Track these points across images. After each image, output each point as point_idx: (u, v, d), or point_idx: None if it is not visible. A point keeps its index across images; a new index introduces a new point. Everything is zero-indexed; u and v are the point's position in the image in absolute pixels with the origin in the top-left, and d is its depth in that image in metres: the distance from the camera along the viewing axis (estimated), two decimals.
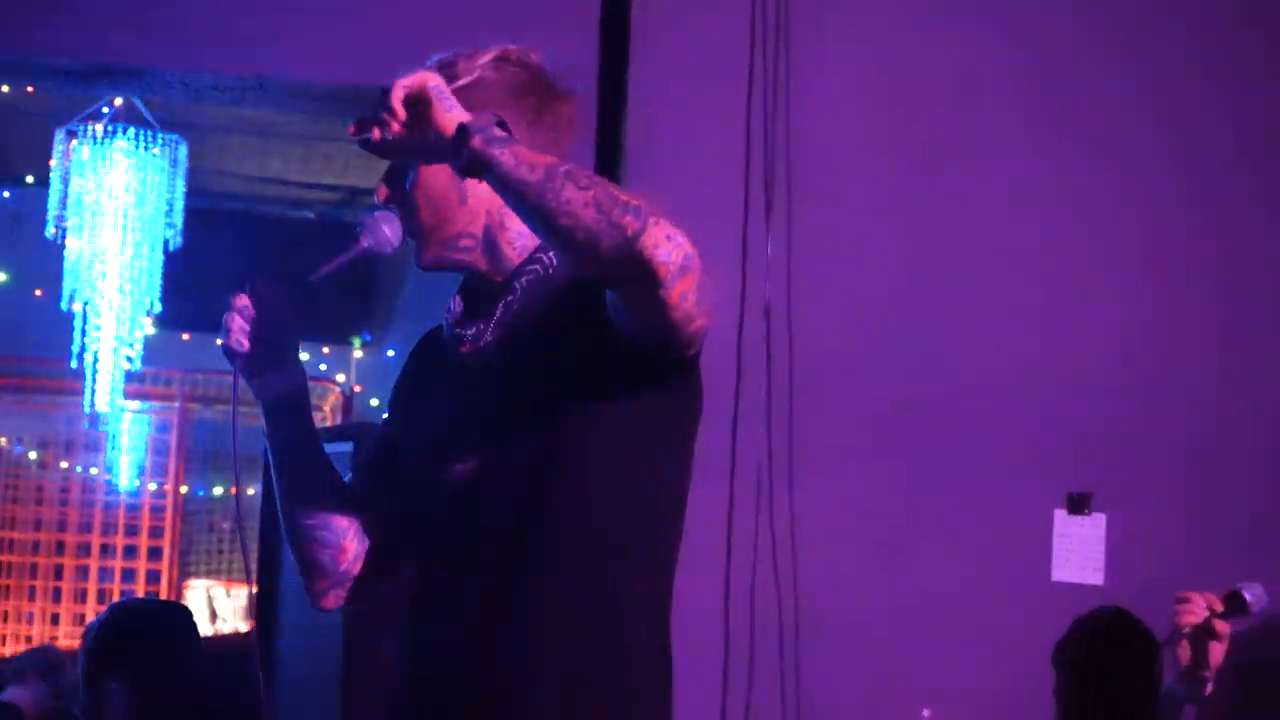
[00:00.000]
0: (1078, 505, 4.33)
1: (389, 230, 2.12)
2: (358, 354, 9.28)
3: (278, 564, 4.88)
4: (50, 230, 7.15)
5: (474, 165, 1.90)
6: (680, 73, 4.34)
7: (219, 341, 2.14)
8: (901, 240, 4.37)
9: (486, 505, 2.09)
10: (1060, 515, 4.34)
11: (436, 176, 2.13)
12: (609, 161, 4.21)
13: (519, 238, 2.17)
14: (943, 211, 4.39)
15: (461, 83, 2.12)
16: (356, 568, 2.28)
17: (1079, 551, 4.32)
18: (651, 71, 4.31)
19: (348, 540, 2.27)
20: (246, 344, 2.12)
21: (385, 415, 2.39)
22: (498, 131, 1.91)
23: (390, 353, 9.06)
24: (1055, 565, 4.33)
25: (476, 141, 1.89)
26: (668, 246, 1.87)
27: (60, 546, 9.25)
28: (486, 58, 2.17)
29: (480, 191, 2.06)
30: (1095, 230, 4.44)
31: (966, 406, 4.34)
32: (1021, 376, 4.36)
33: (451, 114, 1.91)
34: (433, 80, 1.93)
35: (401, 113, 1.93)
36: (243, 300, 2.12)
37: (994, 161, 4.41)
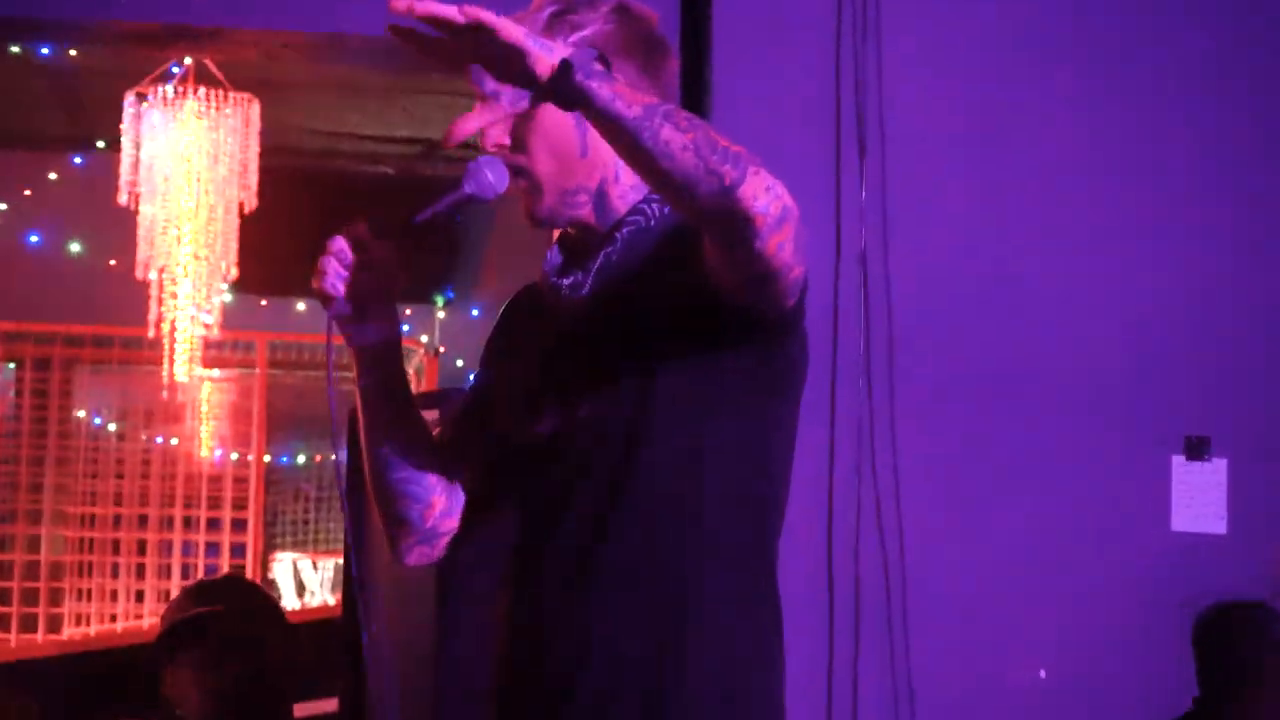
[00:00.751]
0: (1196, 450, 4.33)
1: (493, 175, 2.13)
2: (441, 314, 9.34)
3: (365, 531, 4.94)
4: (123, 197, 7.24)
5: (570, 99, 1.90)
6: (767, 22, 4.36)
7: (314, 283, 2.16)
8: (997, 183, 4.38)
9: (577, 459, 2.13)
10: (1178, 461, 4.33)
11: (559, 124, 2.15)
12: (694, 104, 4.24)
13: (629, 192, 2.20)
14: (1038, 154, 4.39)
15: (585, 33, 2.16)
16: (444, 523, 2.33)
17: (1199, 499, 4.32)
18: (736, 12, 4.34)
19: (436, 495, 2.31)
20: (342, 288, 2.14)
21: (477, 370, 2.42)
22: (597, 66, 1.92)
23: (475, 313, 9.11)
24: (1174, 514, 4.33)
25: (576, 76, 1.89)
26: (766, 197, 1.90)
27: (143, 521, 9.30)
28: (607, 6, 2.19)
29: (602, 144, 2.06)
30: (1202, 167, 4.43)
31: (1073, 351, 4.34)
32: (1130, 318, 4.36)
33: (552, 54, 1.90)
34: (520, 28, 1.91)
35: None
36: (340, 243, 2.14)
37: (1093, 104, 4.41)
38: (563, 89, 1.90)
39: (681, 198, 1.93)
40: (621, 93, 1.91)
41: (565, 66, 1.89)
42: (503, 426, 2.29)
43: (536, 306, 2.29)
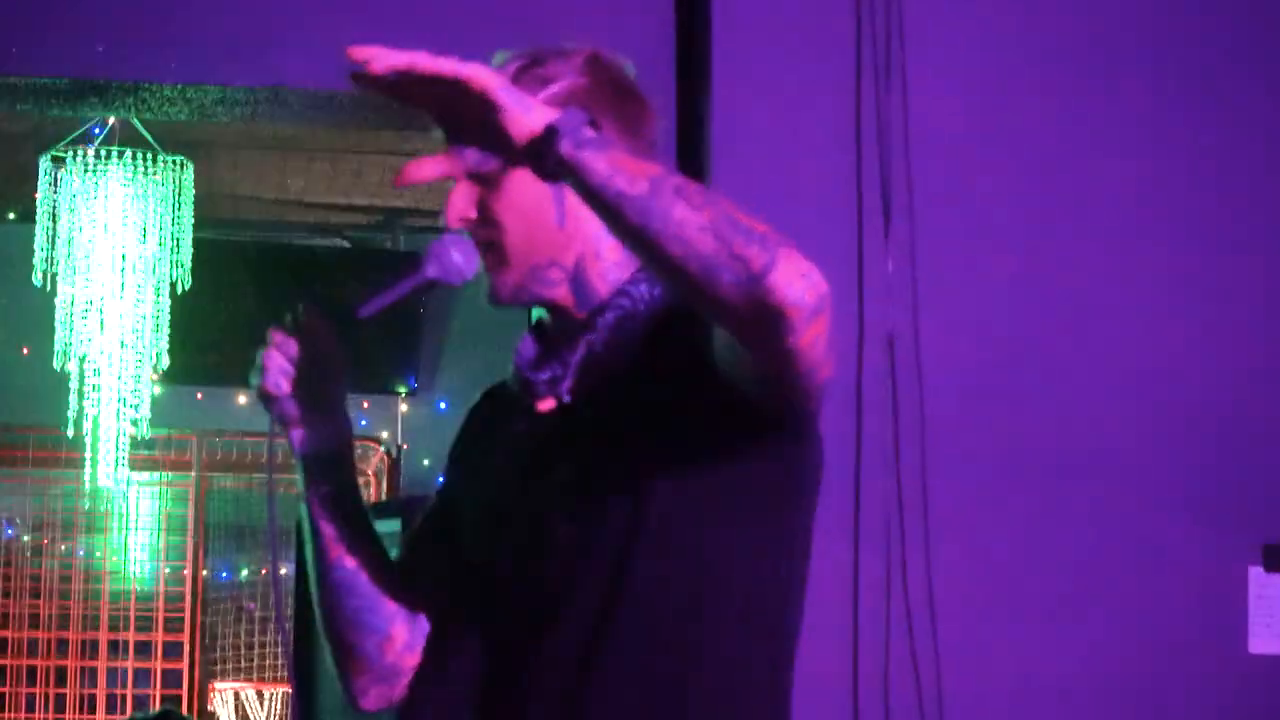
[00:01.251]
0: (1277, 561, 4.29)
1: (460, 257, 2.14)
2: (404, 408, 9.34)
3: (318, 657, 4.90)
4: (38, 275, 7.24)
5: (556, 171, 1.89)
6: (772, 57, 4.36)
7: (253, 383, 2.17)
8: (1048, 248, 4.36)
9: (556, 588, 2.11)
10: (1256, 573, 4.30)
11: (530, 191, 2.13)
12: (691, 164, 4.24)
13: (613, 270, 2.19)
14: (1098, 211, 4.38)
15: (555, 88, 2.14)
16: (406, 659, 2.29)
17: None
18: (738, 57, 4.33)
19: (396, 626, 2.28)
20: (287, 386, 2.14)
21: (441, 480, 2.41)
22: (589, 132, 1.90)
23: (442, 405, 9.11)
24: (1252, 634, 4.30)
25: (565, 145, 1.87)
26: (801, 285, 1.85)
27: (62, 646, 9.33)
28: (579, 59, 2.19)
29: (584, 212, 2.05)
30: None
31: (1136, 447, 4.32)
32: (1200, 409, 4.34)
33: (532, 114, 1.89)
34: (497, 79, 1.91)
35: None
36: (282, 335, 2.14)
37: (1163, 148, 4.41)
38: (547, 159, 1.87)
39: (698, 289, 1.88)
40: (621, 164, 1.88)
41: (550, 133, 1.87)
42: (469, 548, 2.26)
43: (508, 407, 2.27)
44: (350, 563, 2.25)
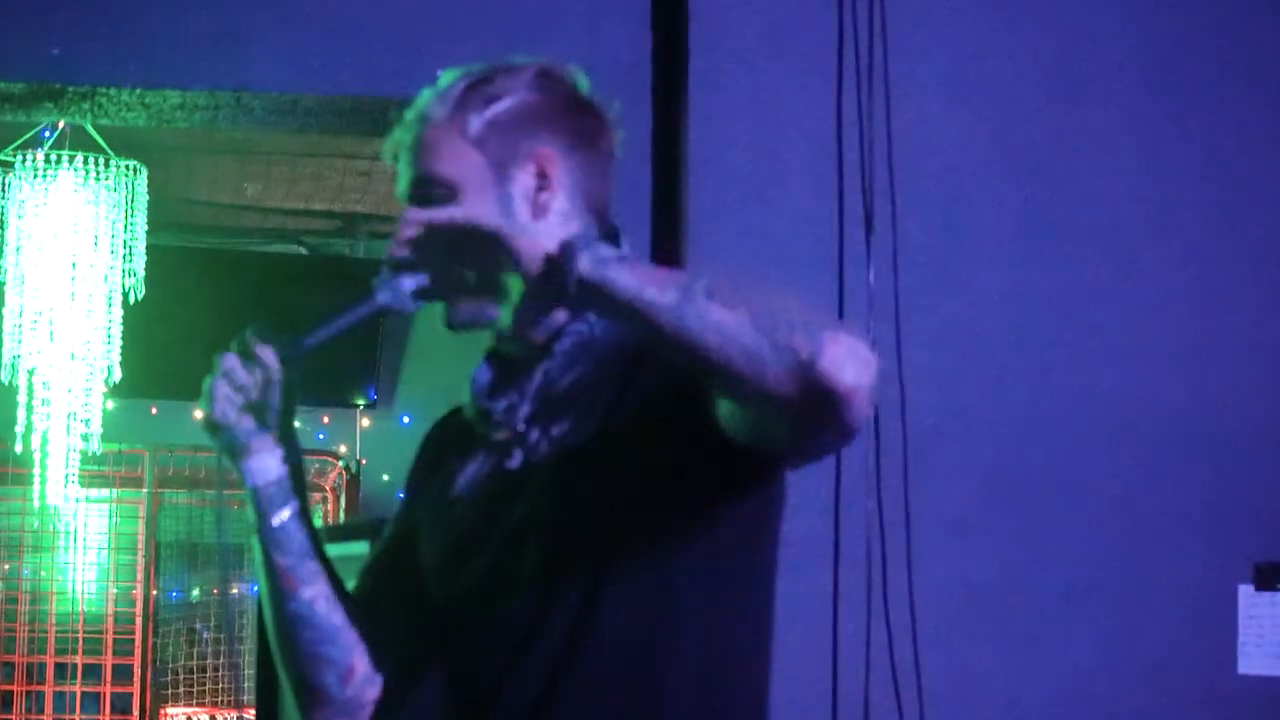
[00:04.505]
0: (1267, 579, 4.32)
1: (411, 283, 2.13)
2: (365, 422, 9.31)
3: (277, 682, 4.90)
4: None
5: (583, 294, 1.89)
6: (751, 63, 4.37)
7: (198, 414, 2.16)
8: (1031, 263, 4.39)
9: (518, 627, 2.12)
10: (1245, 592, 4.32)
11: (480, 214, 2.12)
12: (668, 175, 4.24)
13: None
14: (1077, 226, 4.39)
15: (503, 105, 2.16)
16: (367, 692, 2.31)
17: (1271, 636, 4.31)
18: (716, 65, 4.34)
19: (355, 658, 2.29)
20: (234, 415, 2.15)
21: (400, 505, 2.41)
22: (604, 247, 1.91)
23: (405, 420, 9.09)
24: (1242, 654, 4.32)
25: (584, 264, 1.88)
26: (853, 366, 1.84)
27: (8, 670, 9.24)
28: (528, 74, 2.20)
29: (535, 232, 2.07)
30: (1272, 244, 4.44)
31: (1121, 463, 4.34)
32: (1189, 424, 4.36)
33: (540, 240, 1.90)
34: (493, 215, 1.93)
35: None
36: (231, 361, 2.14)
37: (1133, 160, 4.43)
38: (568, 281, 1.89)
39: (748, 386, 1.88)
40: (646, 274, 1.89)
41: (568, 252, 1.89)
42: (429, 581, 2.26)
43: (465, 434, 2.26)
44: (306, 594, 2.26)
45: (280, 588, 2.26)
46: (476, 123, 2.16)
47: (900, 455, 4.25)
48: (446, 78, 2.21)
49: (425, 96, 2.21)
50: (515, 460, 2.18)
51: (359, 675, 2.29)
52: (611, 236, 2.19)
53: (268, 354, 2.14)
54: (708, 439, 2.01)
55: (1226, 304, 4.40)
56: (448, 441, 2.33)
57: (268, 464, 2.21)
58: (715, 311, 1.86)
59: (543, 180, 2.16)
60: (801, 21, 4.35)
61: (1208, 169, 4.44)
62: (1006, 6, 4.43)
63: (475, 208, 2.12)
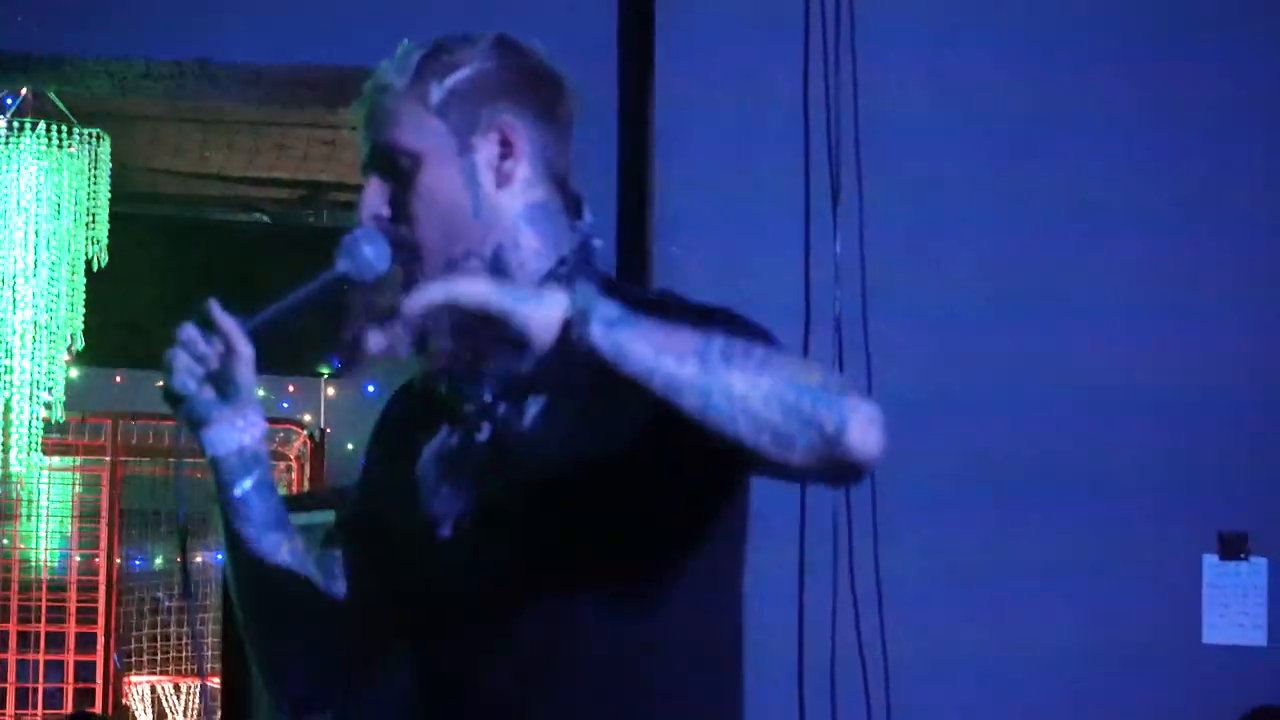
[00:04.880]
0: (1232, 548, 4.33)
1: (371, 251, 2.12)
2: (330, 391, 9.30)
3: (242, 650, 4.89)
4: None
5: (596, 358, 1.88)
6: (719, 34, 4.36)
7: (160, 384, 2.14)
8: (998, 236, 4.38)
9: (501, 608, 2.11)
10: (1210, 561, 4.33)
11: (443, 183, 2.13)
12: (635, 149, 4.24)
13: (532, 259, 2.16)
14: (1045, 200, 4.40)
15: (463, 73, 2.14)
16: (330, 665, 2.30)
17: (1235, 605, 4.32)
18: (683, 36, 4.33)
19: (320, 628, 2.28)
20: (194, 386, 2.12)
21: (361, 478, 2.38)
22: (610, 307, 1.89)
23: (370, 389, 9.08)
24: (1206, 624, 4.33)
25: (595, 332, 1.87)
26: (874, 434, 1.89)
27: None
28: (486, 43, 2.18)
29: (500, 200, 2.09)
30: (1238, 222, 4.45)
31: (1085, 436, 4.34)
32: (1153, 397, 4.36)
33: (543, 308, 1.88)
34: (490, 288, 1.91)
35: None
36: (190, 332, 2.12)
37: (1106, 137, 4.43)
38: (578, 350, 1.87)
39: (770, 457, 1.90)
40: (661, 340, 1.88)
41: (581, 316, 1.87)
42: (399, 557, 2.24)
43: (430, 406, 2.23)
44: (270, 565, 2.24)
45: (244, 558, 2.24)
46: (437, 91, 2.15)
47: None
48: (404, 48, 2.19)
49: (384, 66, 2.18)
50: (484, 433, 2.16)
51: (323, 645, 2.28)
52: (574, 205, 2.19)
53: (228, 323, 2.11)
54: (697, 449, 1.98)
55: (1195, 279, 4.41)
56: (409, 411, 2.29)
57: (227, 435, 2.18)
58: (738, 383, 1.87)
59: (506, 149, 2.15)
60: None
61: (1182, 145, 4.44)
62: None
63: (439, 184, 2.12)
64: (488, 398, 2.15)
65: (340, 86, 4.36)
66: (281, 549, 2.25)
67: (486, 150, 2.15)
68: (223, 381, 2.15)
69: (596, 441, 2.08)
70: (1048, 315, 4.37)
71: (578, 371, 2.05)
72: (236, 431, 2.19)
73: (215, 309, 2.12)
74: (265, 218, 8.94)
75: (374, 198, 2.15)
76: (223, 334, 2.11)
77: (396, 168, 2.14)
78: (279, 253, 8.19)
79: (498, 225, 2.15)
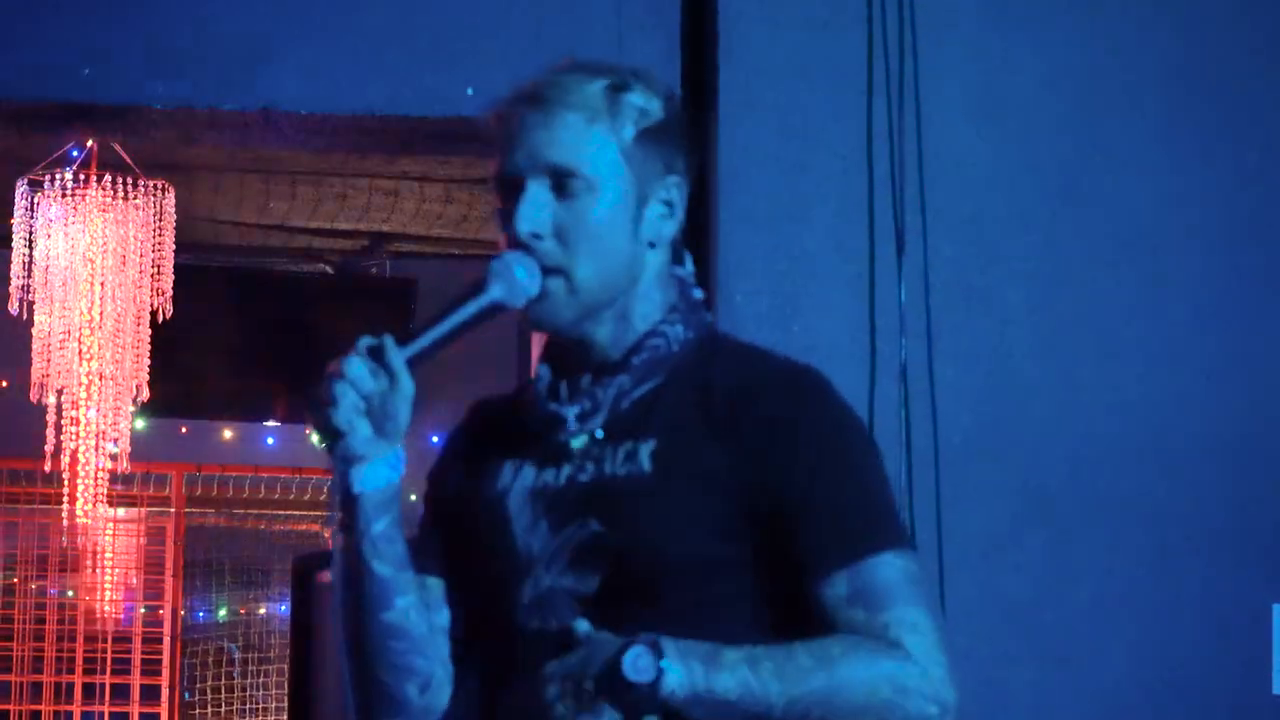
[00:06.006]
0: None
1: (524, 275, 2.11)
2: None
3: (311, 697, 4.87)
4: (14, 304, 7.23)
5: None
6: (780, 79, 4.35)
7: (314, 418, 2.12)
8: (1064, 277, 4.36)
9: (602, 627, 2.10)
10: None
11: (615, 224, 2.14)
12: (697, 194, 4.22)
13: (654, 311, 2.19)
14: (1112, 238, 4.38)
15: (652, 122, 2.16)
16: (442, 700, 2.29)
17: None
18: (744, 80, 4.33)
19: (438, 666, 2.28)
20: (358, 422, 2.10)
21: (434, 502, 2.38)
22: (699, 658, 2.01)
23: (434, 439, 9.09)
24: (1277, 674, 4.29)
25: (675, 690, 1.99)
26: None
27: (36, 690, 9.27)
28: (662, 91, 2.21)
29: (649, 258, 2.13)
30: None
31: (1152, 480, 4.32)
32: (1220, 441, 4.34)
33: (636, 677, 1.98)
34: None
35: None
36: (357, 366, 2.10)
37: (1163, 175, 4.41)
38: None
39: None
40: (751, 680, 2.03)
41: (666, 676, 1.99)
42: (485, 581, 2.25)
43: (511, 427, 2.25)
44: (401, 604, 2.23)
45: (376, 596, 2.22)
46: (630, 131, 2.15)
47: (932, 474, 4.24)
48: (570, 67, 2.19)
49: (564, 82, 2.17)
50: (587, 474, 2.17)
51: (435, 683, 2.27)
52: (678, 253, 2.21)
53: (399, 360, 2.10)
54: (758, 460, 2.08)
55: (1255, 318, 4.39)
56: (486, 431, 2.31)
57: (380, 471, 2.15)
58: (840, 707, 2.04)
59: (668, 209, 2.17)
60: (831, 37, 4.34)
61: (1235, 182, 4.42)
62: (1034, 22, 4.42)
63: (611, 227, 2.13)
64: (599, 434, 2.16)
65: (399, 135, 4.39)
66: (411, 589, 2.25)
67: (655, 208, 2.17)
68: (383, 418, 2.12)
69: (688, 489, 2.10)
70: (1110, 357, 4.34)
71: (675, 409, 2.09)
72: (388, 468, 2.17)
73: (390, 345, 2.10)
74: (328, 268, 8.98)
75: (535, 212, 2.14)
76: (392, 370, 2.10)
77: (569, 190, 2.13)
78: (342, 303, 8.22)
79: (640, 280, 2.18)
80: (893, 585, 2.09)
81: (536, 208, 2.13)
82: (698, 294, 2.25)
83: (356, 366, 2.09)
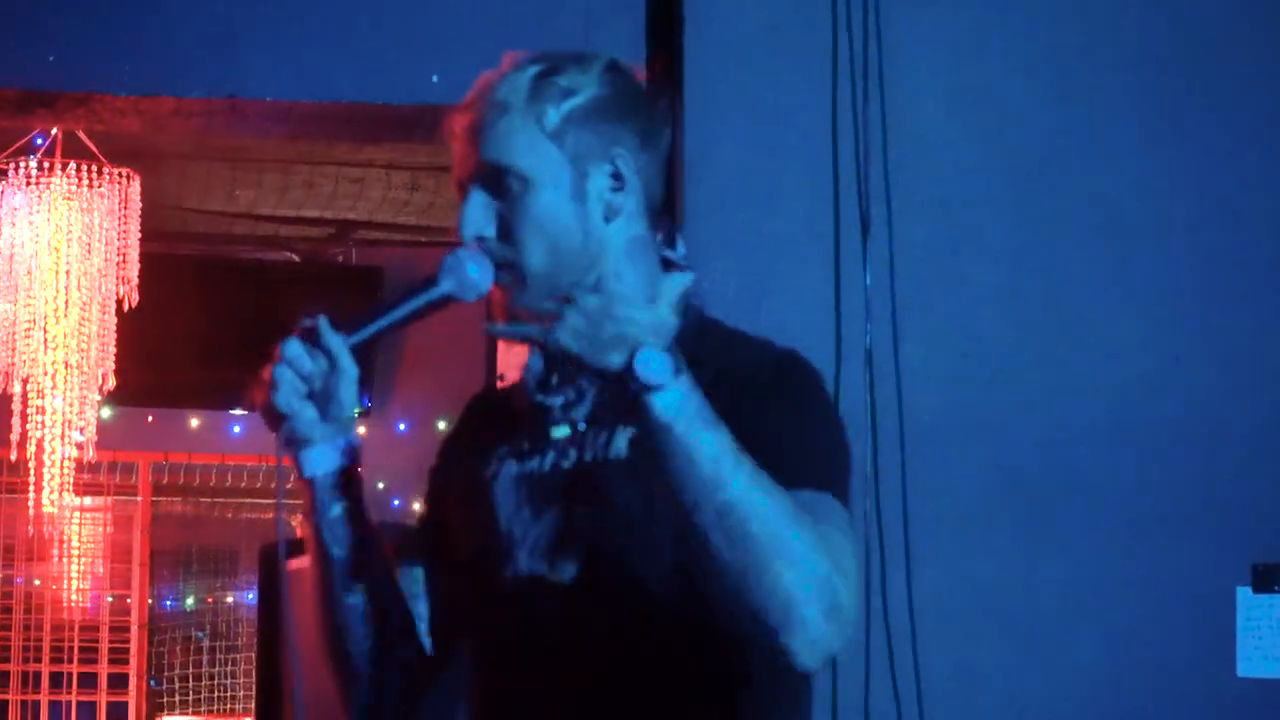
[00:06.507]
0: (1266, 580, 4.30)
1: (476, 272, 2.12)
2: (361, 430, 9.31)
3: (280, 685, 4.90)
4: None
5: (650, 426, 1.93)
6: (745, 62, 4.36)
7: (260, 399, 2.12)
8: (1027, 259, 4.37)
9: (563, 631, 2.13)
10: (1244, 594, 4.31)
11: (554, 208, 2.14)
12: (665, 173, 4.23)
13: (631, 292, 2.16)
14: (1074, 221, 4.39)
15: (579, 100, 2.15)
16: (415, 682, 2.30)
17: (1270, 638, 4.30)
18: (710, 62, 4.33)
19: (401, 645, 2.28)
20: (299, 404, 2.10)
21: (430, 495, 2.39)
22: (697, 402, 1.94)
23: (401, 427, 9.09)
24: (1240, 657, 4.30)
25: (657, 405, 1.92)
26: (817, 653, 2.00)
27: (4, 679, 9.25)
28: (598, 67, 2.19)
29: (608, 233, 2.11)
30: (1269, 238, 4.43)
31: (1119, 463, 4.32)
32: (1188, 424, 4.35)
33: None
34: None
35: None
36: (296, 348, 2.10)
37: (1132, 158, 4.42)
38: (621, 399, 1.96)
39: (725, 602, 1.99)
40: (724, 459, 1.94)
41: (663, 391, 1.94)
42: (463, 568, 2.25)
43: (507, 420, 2.25)
44: (363, 587, 2.23)
45: (337, 580, 2.23)
46: (554, 116, 2.15)
47: (898, 456, 4.24)
48: (512, 63, 2.19)
49: (495, 81, 2.17)
50: (571, 460, 2.17)
51: (400, 661, 2.27)
52: (668, 235, 2.21)
53: (336, 341, 2.10)
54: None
55: (1225, 301, 4.39)
56: (487, 419, 2.32)
57: (328, 455, 2.16)
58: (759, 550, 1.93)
59: (617, 182, 2.17)
60: (796, 20, 4.34)
61: (1206, 165, 4.43)
62: (1002, 3, 4.43)
63: (550, 212, 2.13)
64: (581, 425, 2.17)
65: (366, 123, 4.38)
66: (374, 569, 2.24)
67: (599, 182, 2.16)
68: (326, 400, 2.13)
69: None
70: (1078, 340, 4.36)
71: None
72: (336, 452, 2.17)
73: (324, 326, 2.10)
74: (294, 256, 8.96)
75: (478, 215, 2.15)
76: (329, 351, 2.10)
77: (504, 188, 2.14)
78: (308, 291, 8.21)
79: (602, 257, 2.16)
80: (830, 516, 2.05)
81: (476, 210, 2.14)
82: (689, 277, 2.24)
83: (294, 348, 2.10)
